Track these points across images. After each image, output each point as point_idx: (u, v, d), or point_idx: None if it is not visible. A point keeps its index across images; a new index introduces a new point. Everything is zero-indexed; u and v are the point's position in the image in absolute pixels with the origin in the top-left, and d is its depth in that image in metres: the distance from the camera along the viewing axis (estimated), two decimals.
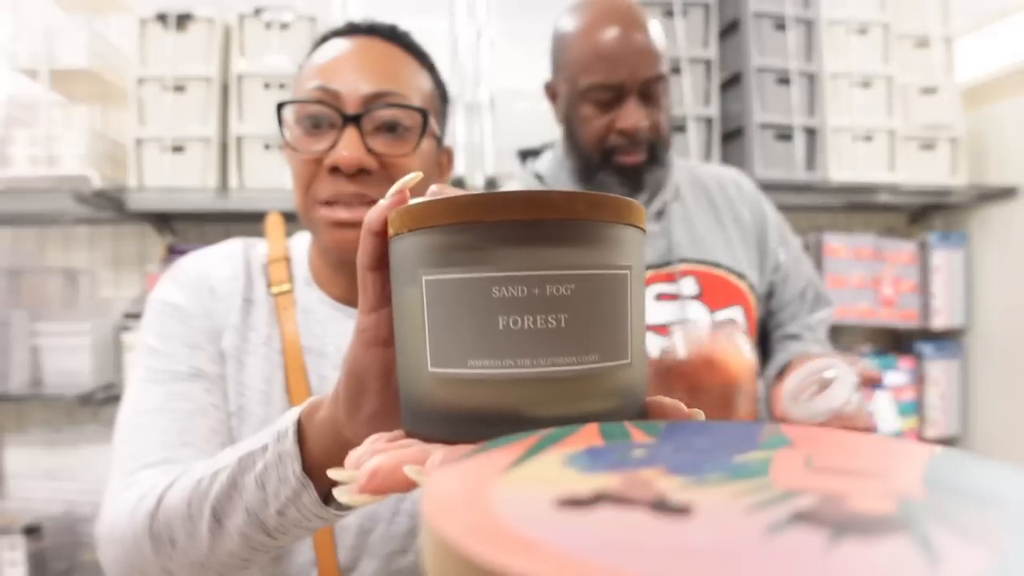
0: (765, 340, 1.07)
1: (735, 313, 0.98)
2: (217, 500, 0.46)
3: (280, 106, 0.65)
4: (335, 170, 0.64)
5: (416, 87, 0.67)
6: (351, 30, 0.69)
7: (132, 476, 0.56)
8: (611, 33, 0.90)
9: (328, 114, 0.64)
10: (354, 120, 0.63)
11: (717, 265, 0.99)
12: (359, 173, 0.63)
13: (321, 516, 0.44)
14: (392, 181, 0.64)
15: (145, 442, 0.59)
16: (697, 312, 0.96)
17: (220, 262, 0.72)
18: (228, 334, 0.68)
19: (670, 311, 0.95)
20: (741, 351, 0.81)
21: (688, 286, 0.97)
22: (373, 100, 0.63)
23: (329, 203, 0.65)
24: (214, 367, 0.66)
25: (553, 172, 1.02)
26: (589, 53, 0.90)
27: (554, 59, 0.98)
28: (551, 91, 1.00)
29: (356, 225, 0.63)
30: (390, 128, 0.64)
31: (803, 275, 1.07)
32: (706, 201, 1.03)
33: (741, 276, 1.00)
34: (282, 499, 0.43)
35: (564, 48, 0.95)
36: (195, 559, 0.48)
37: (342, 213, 0.64)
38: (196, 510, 0.47)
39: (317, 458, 0.43)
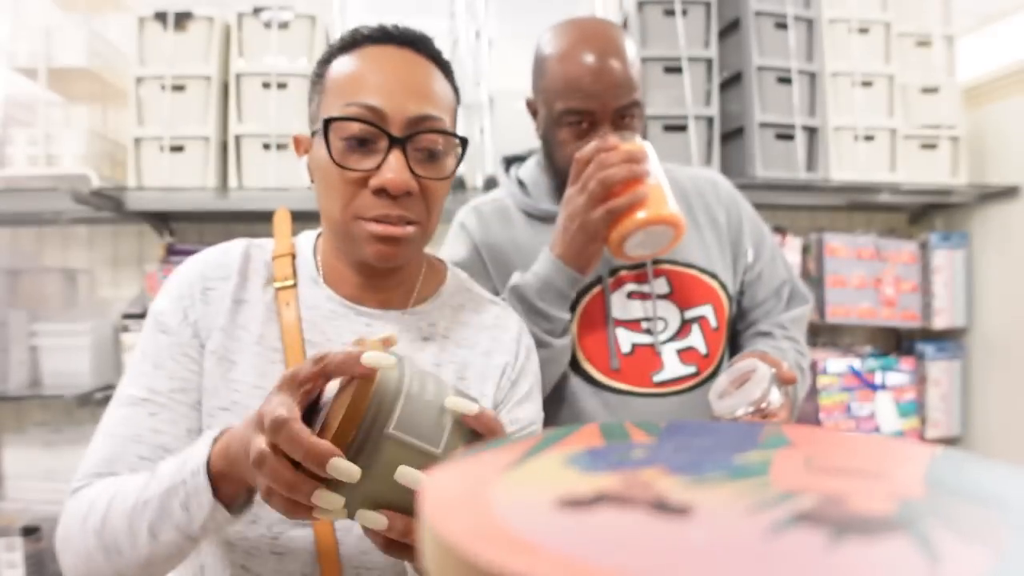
0: (736, 338, 1.09)
1: (706, 311, 1.00)
2: (151, 522, 0.59)
3: (327, 123, 0.66)
4: (381, 191, 0.66)
5: (448, 104, 0.71)
6: (384, 37, 0.70)
7: (73, 495, 0.66)
8: (585, 61, 0.92)
9: (372, 132, 0.66)
10: (400, 143, 0.65)
11: (690, 265, 1.01)
12: (403, 195, 0.67)
13: (231, 520, 0.58)
14: (428, 202, 0.69)
15: (86, 464, 0.67)
16: (667, 310, 0.99)
17: (216, 261, 0.74)
18: (215, 336, 0.70)
19: (641, 309, 0.98)
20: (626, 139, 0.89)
21: (660, 285, 1.00)
22: (417, 123, 0.66)
23: (372, 220, 0.68)
24: (176, 383, 0.69)
25: (534, 179, 1.05)
26: (563, 80, 0.93)
27: (534, 79, 1.01)
28: (532, 108, 1.03)
29: (399, 239, 0.68)
30: (430, 151, 0.68)
31: (779, 274, 1.08)
32: (682, 203, 1.05)
33: (713, 276, 1.02)
34: (201, 518, 0.57)
35: (542, 71, 0.98)
36: (139, 562, 0.60)
37: (387, 229, 0.68)
38: (136, 528, 0.59)
39: (222, 483, 0.57)
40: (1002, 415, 1.96)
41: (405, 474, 0.48)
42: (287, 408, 0.48)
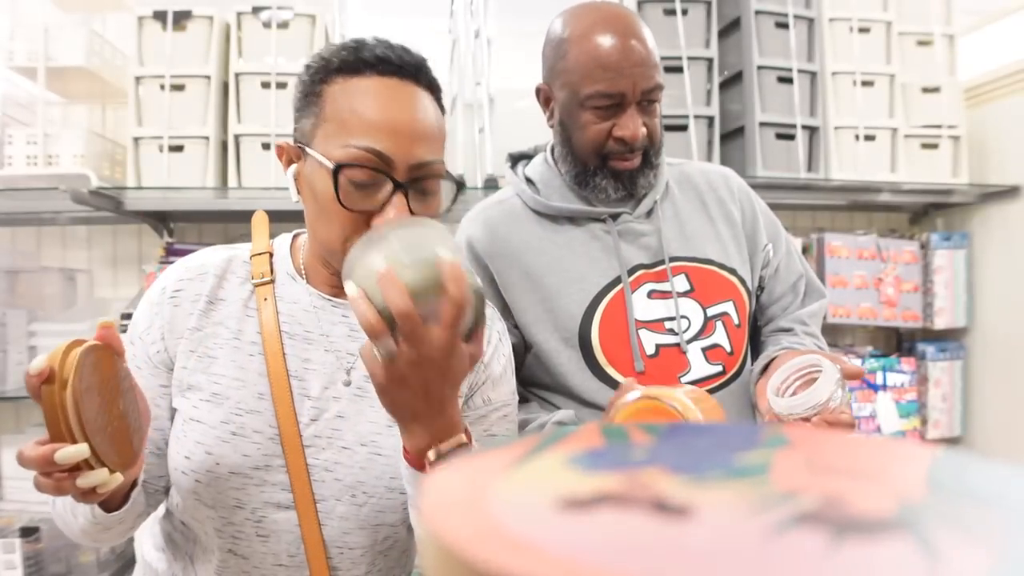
0: (756, 335, 1.08)
1: (728, 308, 0.99)
2: (72, 507, 0.70)
3: (337, 170, 0.67)
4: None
5: (443, 137, 0.74)
6: (388, 67, 0.70)
7: None
8: (613, 42, 0.91)
9: (378, 176, 0.68)
10: (403, 187, 0.69)
11: (708, 262, 1.00)
12: None
13: (116, 516, 0.69)
14: None
15: None
16: (690, 308, 0.97)
17: (192, 265, 0.79)
18: (188, 337, 0.75)
19: (663, 308, 0.97)
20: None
21: (680, 283, 0.98)
22: (420, 168, 0.70)
23: None
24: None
25: (545, 178, 1.02)
26: (591, 61, 0.91)
27: (550, 64, 0.98)
28: (544, 95, 1.00)
29: None
30: (427, 189, 0.72)
31: (795, 269, 1.07)
32: (696, 199, 1.04)
33: (732, 272, 1.00)
34: (89, 514, 0.68)
35: (562, 54, 0.95)
36: (77, 533, 0.72)
37: None
38: (66, 507, 0.71)
39: None
40: (1002, 415, 1.96)
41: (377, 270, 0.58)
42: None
